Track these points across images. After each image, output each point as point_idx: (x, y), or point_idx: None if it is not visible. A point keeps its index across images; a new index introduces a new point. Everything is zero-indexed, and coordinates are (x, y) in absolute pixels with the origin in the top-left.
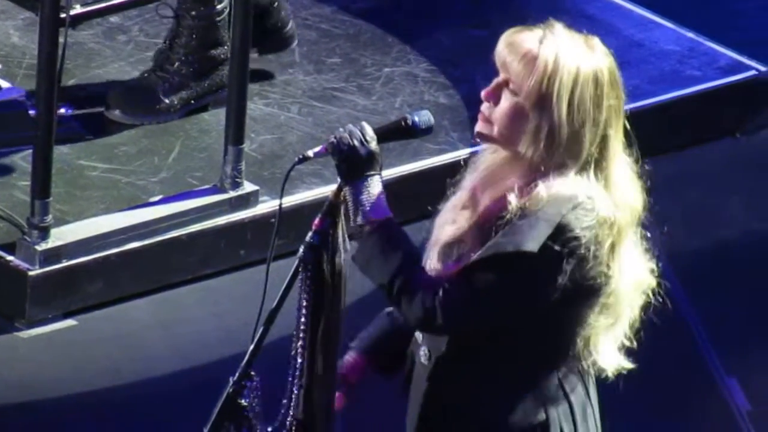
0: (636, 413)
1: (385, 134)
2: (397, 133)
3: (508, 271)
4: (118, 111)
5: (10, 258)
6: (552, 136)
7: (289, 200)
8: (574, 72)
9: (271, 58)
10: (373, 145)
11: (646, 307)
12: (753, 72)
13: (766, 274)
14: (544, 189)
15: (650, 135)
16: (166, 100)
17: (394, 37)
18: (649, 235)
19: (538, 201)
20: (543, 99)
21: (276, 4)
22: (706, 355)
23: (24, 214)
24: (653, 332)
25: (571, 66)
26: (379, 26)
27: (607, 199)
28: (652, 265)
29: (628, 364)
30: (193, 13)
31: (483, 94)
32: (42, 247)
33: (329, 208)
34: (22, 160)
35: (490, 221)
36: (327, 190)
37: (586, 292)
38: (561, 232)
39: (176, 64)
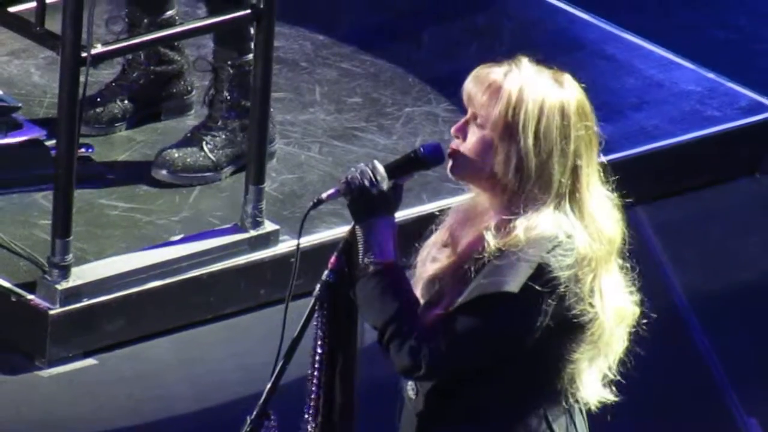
0: None
1: (397, 168)
2: (408, 165)
3: (490, 312)
4: (165, 171)
5: (30, 297)
6: (520, 168)
7: (309, 240)
8: (539, 102)
9: (291, 98)
10: (384, 185)
11: (631, 339)
12: None
13: None
14: (522, 230)
15: (670, 175)
16: (214, 158)
17: (414, 76)
18: (632, 266)
19: (517, 242)
20: (509, 129)
21: (184, 74)
22: (726, 394)
23: (45, 253)
24: (672, 371)
25: (536, 96)
26: (399, 66)
27: (584, 235)
28: (635, 296)
29: (611, 396)
30: (230, 62)
31: (452, 130)
32: (62, 286)
33: (345, 247)
34: (43, 199)
35: (469, 260)
36: (347, 229)
37: (570, 329)
38: (541, 273)
39: (219, 121)
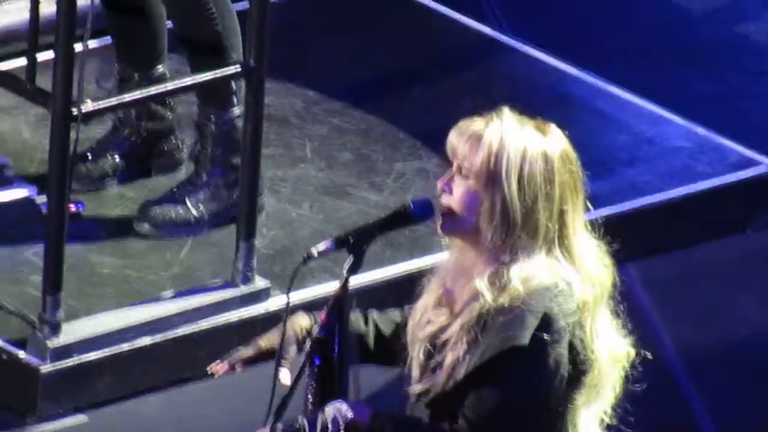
0: None
1: (386, 223)
2: (397, 220)
3: (508, 369)
4: (147, 224)
5: (21, 353)
6: (506, 215)
7: (300, 296)
8: (521, 148)
9: (281, 153)
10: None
11: (625, 379)
12: (763, 167)
13: None
14: (519, 281)
15: (661, 231)
16: (196, 213)
17: (405, 132)
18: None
19: (517, 294)
20: (492, 176)
21: (174, 131)
22: None
23: (35, 310)
24: (663, 429)
25: (518, 143)
26: (389, 122)
27: (581, 280)
28: (627, 338)
29: None
30: (213, 118)
31: (438, 185)
32: (53, 342)
33: (335, 303)
34: (34, 255)
35: (471, 319)
36: (337, 285)
37: (576, 375)
38: (548, 322)
39: (204, 176)
